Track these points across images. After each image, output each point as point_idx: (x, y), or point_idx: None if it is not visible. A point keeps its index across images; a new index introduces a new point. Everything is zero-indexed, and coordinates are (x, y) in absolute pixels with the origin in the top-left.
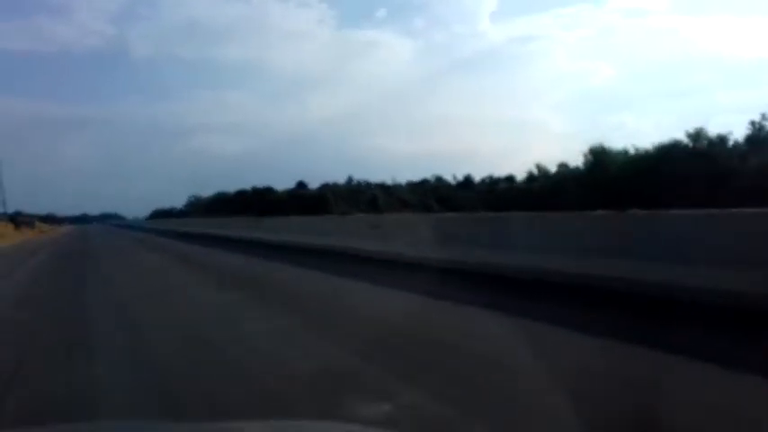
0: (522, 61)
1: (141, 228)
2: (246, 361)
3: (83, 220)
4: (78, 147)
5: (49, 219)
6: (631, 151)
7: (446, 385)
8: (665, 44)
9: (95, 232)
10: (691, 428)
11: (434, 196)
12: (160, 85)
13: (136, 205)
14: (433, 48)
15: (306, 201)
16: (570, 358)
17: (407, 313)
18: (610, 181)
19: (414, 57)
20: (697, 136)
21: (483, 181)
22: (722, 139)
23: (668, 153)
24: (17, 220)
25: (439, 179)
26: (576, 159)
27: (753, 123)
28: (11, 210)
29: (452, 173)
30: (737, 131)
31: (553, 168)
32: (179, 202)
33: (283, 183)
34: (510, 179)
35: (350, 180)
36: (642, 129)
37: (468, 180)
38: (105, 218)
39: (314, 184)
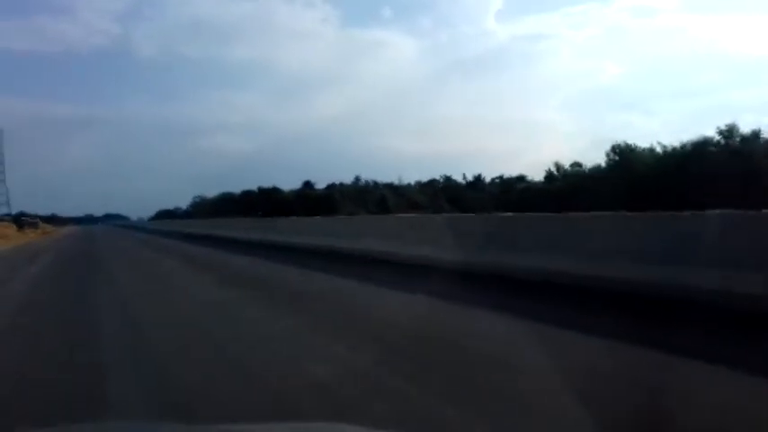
0: (529, 60)
1: (145, 229)
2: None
3: (86, 220)
4: (82, 147)
5: (53, 219)
6: (657, 149)
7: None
8: (674, 43)
9: (99, 234)
10: None
11: (445, 196)
12: (165, 85)
13: (140, 206)
14: (439, 47)
15: (313, 201)
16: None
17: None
18: (636, 180)
19: (419, 56)
20: (730, 133)
21: (493, 181)
22: (756, 135)
23: (699, 150)
24: (21, 220)
25: (448, 179)
26: (585, 157)
27: None
28: (15, 210)
29: (460, 172)
30: (744, 130)
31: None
32: (183, 202)
33: (289, 183)
34: (521, 179)
35: (357, 180)
36: (650, 127)
37: (478, 180)
38: (109, 218)
39: (320, 183)
